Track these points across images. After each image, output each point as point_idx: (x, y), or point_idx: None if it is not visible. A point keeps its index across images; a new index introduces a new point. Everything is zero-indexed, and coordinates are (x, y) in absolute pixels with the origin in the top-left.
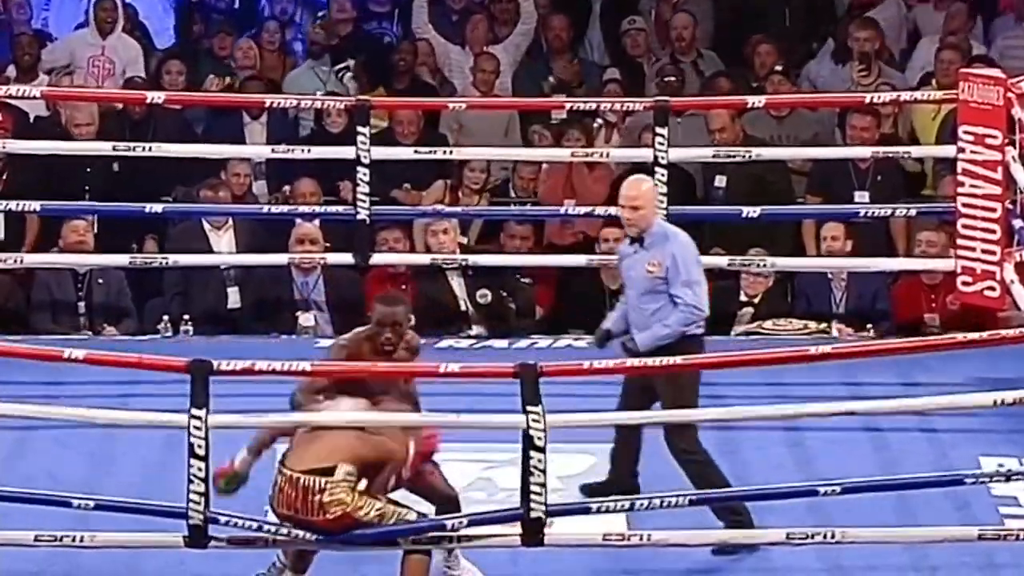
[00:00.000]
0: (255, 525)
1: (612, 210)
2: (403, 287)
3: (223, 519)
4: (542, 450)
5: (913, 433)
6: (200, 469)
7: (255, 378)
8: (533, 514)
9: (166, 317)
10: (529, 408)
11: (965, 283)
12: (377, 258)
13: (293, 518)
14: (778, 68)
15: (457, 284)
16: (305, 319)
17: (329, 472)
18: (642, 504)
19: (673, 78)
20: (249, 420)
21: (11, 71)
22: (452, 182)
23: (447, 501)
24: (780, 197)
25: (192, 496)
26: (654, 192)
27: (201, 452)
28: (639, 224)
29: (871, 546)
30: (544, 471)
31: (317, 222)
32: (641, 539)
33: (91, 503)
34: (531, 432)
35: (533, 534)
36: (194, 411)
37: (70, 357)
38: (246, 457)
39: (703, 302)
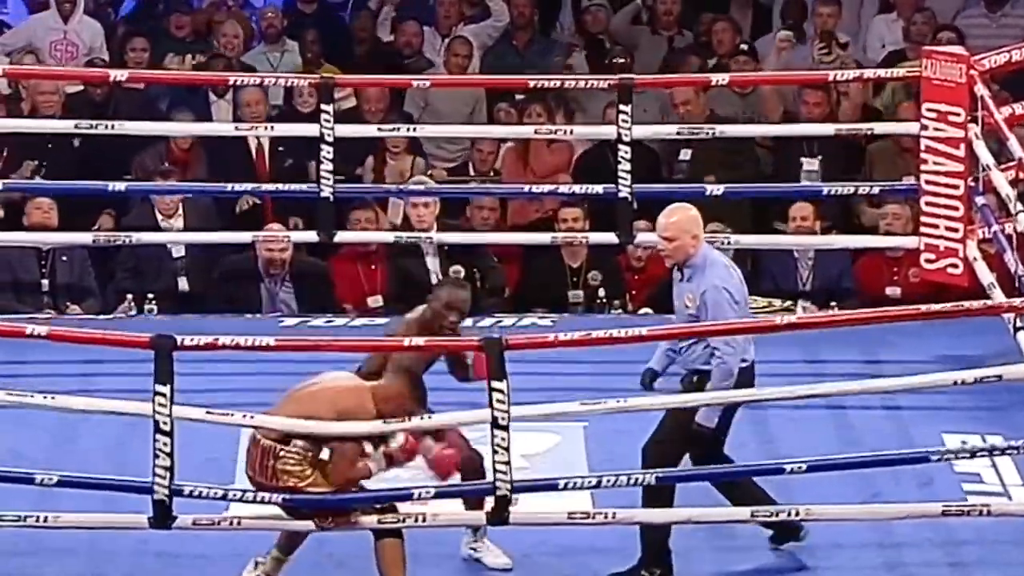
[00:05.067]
0: (220, 492)
1: (575, 188)
2: (373, 267)
3: (187, 489)
4: (505, 428)
5: (876, 411)
6: (165, 444)
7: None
8: (499, 492)
9: (130, 296)
10: (494, 384)
11: (928, 260)
12: (341, 236)
13: (253, 480)
14: (743, 47)
15: (432, 261)
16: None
17: (286, 440)
18: (609, 480)
19: (623, 60)
20: (215, 417)
21: None
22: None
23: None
24: (745, 169)
25: (157, 471)
26: (690, 223)
27: (166, 428)
28: (674, 256)
29: (836, 523)
30: (508, 449)
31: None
32: (606, 517)
33: (54, 478)
34: (495, 412)
35: (499, 512)
36: (158, 387)
37: (32, 333)
38: None
39: (738, 348)
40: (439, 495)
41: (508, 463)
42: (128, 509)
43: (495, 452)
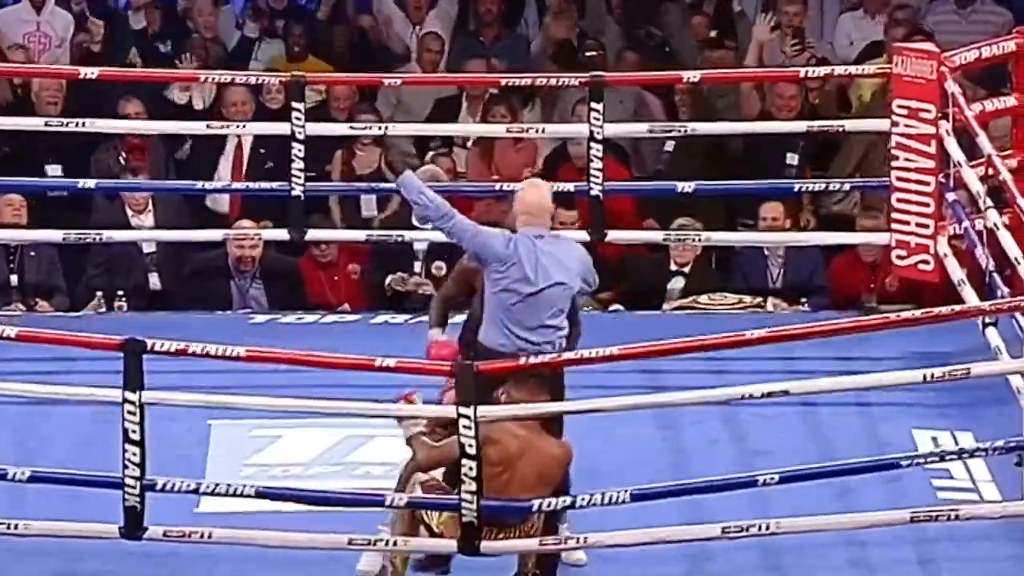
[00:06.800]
0: (192, 486)
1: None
2: (335, 277)
3: (159, 483)
4: (474, 458)
5: (846, 407)
6: (135, 454)
7: None
8: (465, 519)
9: (100, 293)
10: (462, 411)
11: (899, 256)
12: (312, 234)
13: None
14: (729, 44)
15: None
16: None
17: None
18: (583, 500)
19: (595, 53)
20: (183, 396)
21: None
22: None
23: None
24: (731, 161)
25: (128, 482)
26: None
27: (136, 437)
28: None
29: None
30: (476, 479)
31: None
32: (578, 542)
33: (26, 473)
34: (462, 439)
35: (469, 541)
36: (128, 394)
37: (2, 335)
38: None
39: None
40: (410, 505)
41: (476, 493)
42: (99, 514)
43: (462, 481)
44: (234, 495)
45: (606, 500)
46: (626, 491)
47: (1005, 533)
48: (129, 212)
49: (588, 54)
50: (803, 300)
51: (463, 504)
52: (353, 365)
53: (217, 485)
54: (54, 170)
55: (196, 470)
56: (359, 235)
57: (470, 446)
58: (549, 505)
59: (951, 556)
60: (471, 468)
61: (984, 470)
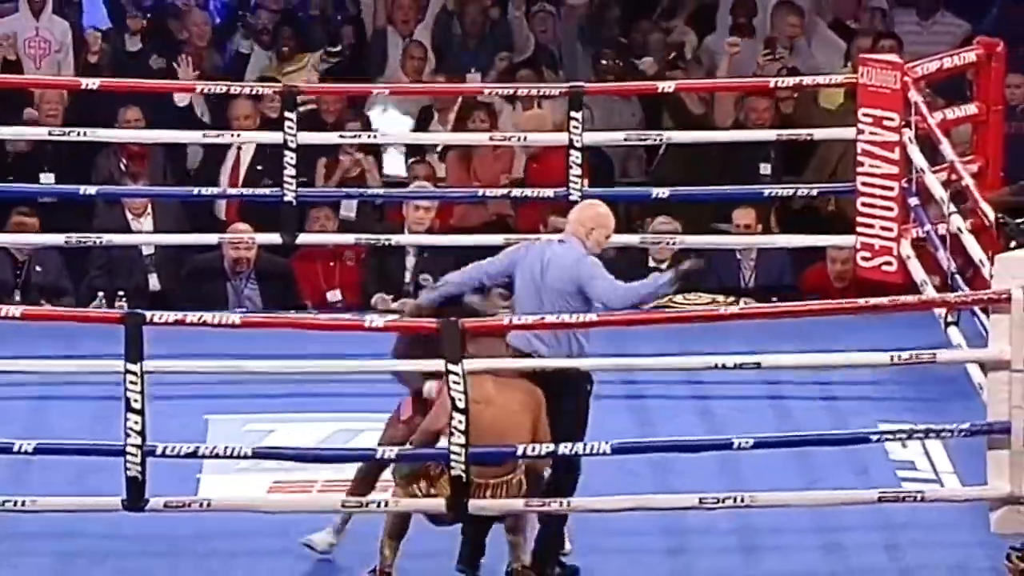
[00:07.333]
0: (191, 449)
1: (527, 191)
2: (332, 264)
3: (159, 449)
4: (463, 411)
5: (815, 401)
6: (136, 423)
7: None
8: (453, 472)
9: (101, 294)
10: (450, 368)
11: (864, 258)
12: (304, 238)
13: None
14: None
15: (411, 262)
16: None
17: None
18: (566, 449)
19: (608, 62)
20: (184, 364)
21: None
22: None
23: None
24: (713, 163)
25: (129, 450)
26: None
27: (137, 406)
28: None
29: (778, 508)
30: (464, 432)
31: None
32: (561, 505)
33: (31, 446)
34: (452, 394)
35: (458, 499)
36: (129, 365)
37: (7, 315)
38: None
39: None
40: (400, 457)
41: (464, 445)
42: (101, 493)
43: (451, 434)
44: (231, 456)
45: (587, 450)
46: (606, 443)
47: (969, 521)
48: (129, 216)
49: (604, 62)
50: (774, 300)
51: (451, 455)
52: (343, 326)
53: (214, 447)
54: (47, 178)
55: (193, 464)
56: (349, 238)
57: (459, 400)
58: (534, 449)
59: (917, 541)
60: (460, 422)
61: (946, 462)
